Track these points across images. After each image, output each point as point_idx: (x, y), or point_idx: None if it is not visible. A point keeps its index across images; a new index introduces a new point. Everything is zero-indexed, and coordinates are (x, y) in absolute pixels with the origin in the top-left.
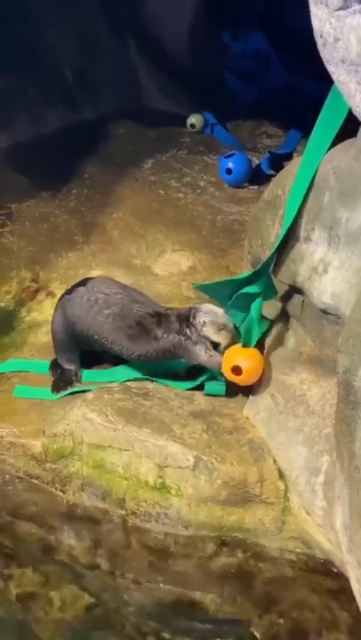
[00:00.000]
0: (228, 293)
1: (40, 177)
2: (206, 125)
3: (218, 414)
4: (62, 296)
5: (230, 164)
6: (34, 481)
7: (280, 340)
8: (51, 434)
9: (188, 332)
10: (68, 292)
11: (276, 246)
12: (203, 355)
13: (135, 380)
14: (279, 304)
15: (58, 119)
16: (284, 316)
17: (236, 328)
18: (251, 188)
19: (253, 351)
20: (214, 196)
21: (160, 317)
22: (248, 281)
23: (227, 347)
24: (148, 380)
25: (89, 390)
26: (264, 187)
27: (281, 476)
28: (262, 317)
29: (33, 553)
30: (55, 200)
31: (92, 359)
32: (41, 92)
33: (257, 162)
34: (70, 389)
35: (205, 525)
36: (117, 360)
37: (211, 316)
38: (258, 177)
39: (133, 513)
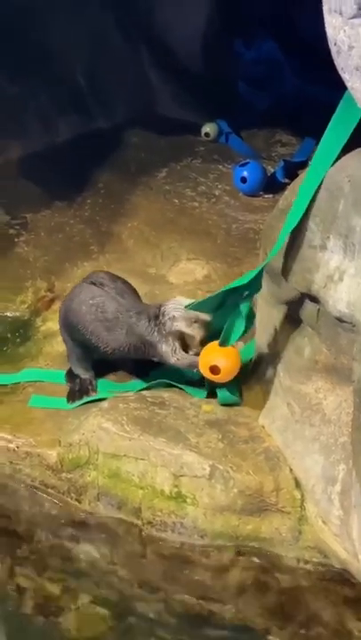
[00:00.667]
0: (219, 302)
1: (54, 187)
2: (221, 134)
3: (233, 423)
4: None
5: (245, 173)
6: (50, 490)
7: (296, 349)
8: (66, 443)
9: (156, 331)
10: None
11: (276, 248)
12: (170, 356)
13: (150, 388)
14: (284, 310)
15: (70, 128)
16: (298, 325)
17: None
18: (266, 196)
19: (231, 350)
20: (229, 204)
21: (136, 313)
22: (243, 287)
23: (202, 340)
24: (164, 383)
25: (104, 399)
26: (279, 195)
27: (297, 485)
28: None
29: (49, 562)
30: (70, 210)
31: (108, 368)
32: (53, 100)
33: (272, 170)
34: (86, 399)
35: (221, 535)
36: (133, 369)
37: (180, 310)
38: (273, 185)
39: (149, 522)
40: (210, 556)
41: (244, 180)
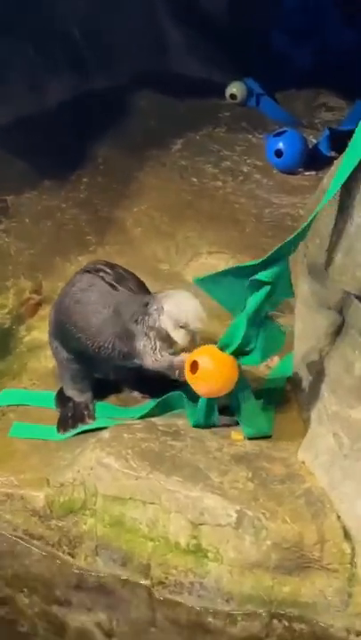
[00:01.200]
0: (237, 290)
1: (42, 161)
2: (250, 96)
3: (266, 458)
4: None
5: (281, 145)
6: (36, 542)
7: (345, 365)
8: (57, 483)
9: (138, 320)
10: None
11: (305, 225)
12: (147, 353)
13: (160, 413)
14: (338, 317)
15: (63, 89)
16: (348, 335)
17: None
18: (306, 173)
19: (226, 356)
20: (261, 184)
21: (127, 298)
22: (258, 269)
23: (184, 350)
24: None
25: (104, 428)
26: (323, 172)
27: (346, 536)
28: (270, 321)
29: (36, 632)
30: (61, 191)
31: (109, 389)
32: (42, 55)
33: (314, 141)
34: (81, 427)
35: (251, 598)
36: (137, 388)
37: (172, 304)
38: (315, 160)
39: (161, 583)
40: (237, 625)
41: (279, 153)
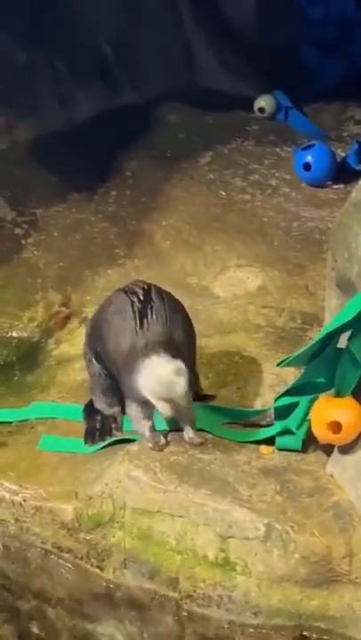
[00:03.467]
0: (318, 350)
1: (71, 175)
2: (279, 109)
3: (295, 472)
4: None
5: (309, 158)
6: (65, 555)
7: None
8: (85, 496)
9: (132, 370)
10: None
11: None
12: (138, 423)
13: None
14: None
15: (93, 102)
16: None
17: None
18: (335, 187)
19: (350, 401)
20: (289, 197)
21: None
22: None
23: (167, 418)
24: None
25: (132, 441)
26: (352, 185)
27: None
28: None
29: None
30: (90, 204)
31: None
32: (72, 69)
33: (342, 154)
34: (109, 440)
35: (280, 612)
36: None
37: (150, 379)
38: (344, 173)
39: (189, 596)
40: (265, 639)
41: (307, 166)
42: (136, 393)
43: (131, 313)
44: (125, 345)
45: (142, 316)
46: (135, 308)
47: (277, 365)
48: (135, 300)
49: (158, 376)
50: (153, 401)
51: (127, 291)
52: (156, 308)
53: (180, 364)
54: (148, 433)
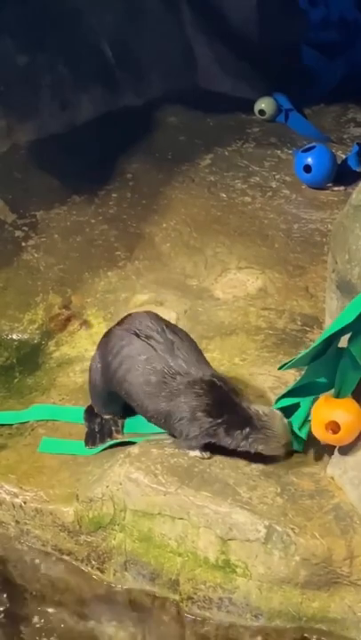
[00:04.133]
0: (320, 352)
1: (72, 177)
2: (279, 112)
3: (295, 474)
4: (101, 339)
5: (309, 160)
6: (65, 557)
7: None
8: (86, 498)
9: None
10: (106, 334)
11: None
12: (185, 443)
13: None
14: None
15: (93, 106)
16: None
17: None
18: (335, 189)
19: (349, 401)
20: (290, 199)
21: (188, 382)
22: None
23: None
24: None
25: (133, 443)
26: (352, 187)
27: None
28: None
29: None
30: (91, 206)
31: None
32: (73, 72)
33: (343, 156)
34: (109, 442)
35: (280, 614)
36: None
37: (272, 433)
38: (344, 175)
39: (189, 598)
40: None
41: (308, 168)
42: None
43: (160, 362)
44: (162, 399)
45: (171, 351)
46: (160, 350)
47: (279, 369)
48: (154, 343)
49: (271, 428)
50: (262, 447)
51: (140, 335)
52: (173, 335)
53: None
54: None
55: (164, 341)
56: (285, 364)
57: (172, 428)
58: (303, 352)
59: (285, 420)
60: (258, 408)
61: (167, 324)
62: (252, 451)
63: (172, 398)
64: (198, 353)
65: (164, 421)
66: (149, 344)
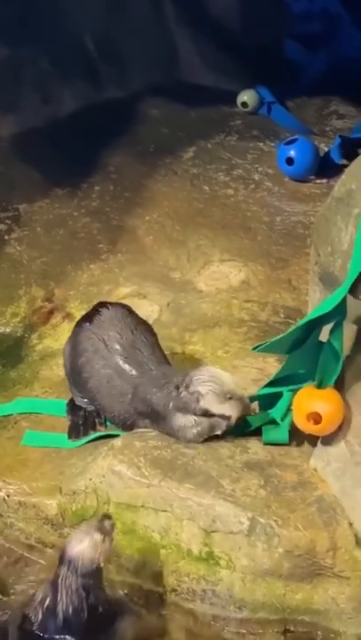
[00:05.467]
0: (298, 340)
1: (55, 170)
2: (261, 104)
3: (279, 466)
4: (77, 322)
5: (292, 153)
6: (49, 550)
7: (357, 375)
8: (69, 491)
9: (172, 405)
10: (77, 324)
11: (357, 263)
12: (187, 431)
13: None
14: (352, 329)
15: (76, 98)
16: (360, 344)
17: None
18: (318, 181)
19: (331, 392)
20: (272, 192)
21: (149, 378)
22: (325, 317)
23: (239, 419)
24: None
25: (116, 436)
26: (334, 180)
27: (359, 543)
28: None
29: None
30: (74, 199)
31: None
32: (56, 65)
33: (325, 149)
34: (93, 435)
35: (264, 606)
36: None
37: (209, 384)
38: (327, 168)
39: (173, 590)
40: (250, 633)
41: (290, 160)
42: (186, 408)
43: (119, 360)
44: (127, 395)
45: (131, 348)
46: (120, 351)
47: (253, 349)
48: (116, 345)
49: (210, 380)
50: (219, 409)
51: (96, 335)
52: (138, 328)
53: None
54: (211, 421)
55: (131, 349)
56: (260, 346)
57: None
58: (280, 335)
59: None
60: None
61: (135, 324)
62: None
63: (139, 399)
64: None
65: (150, 423)
66: (114, 354)
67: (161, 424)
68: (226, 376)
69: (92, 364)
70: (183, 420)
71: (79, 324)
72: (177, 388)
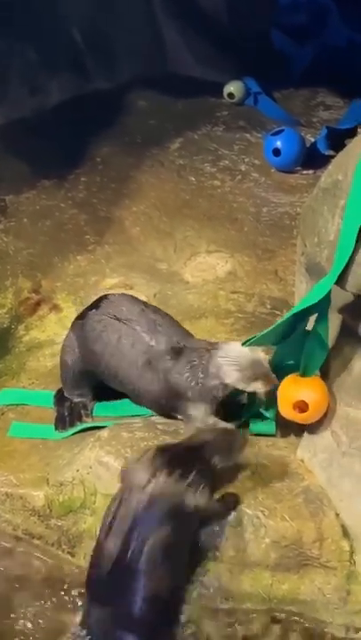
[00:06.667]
0: (286, 331)
1: (41, 161)
2: (248, 95)
3: (265, 457)
4: (75, 321)
5: (278, 143)
6: (36, 541)
7: (343, 364)
8: (56, 482)
9: (195, 384)
10: (80, 316)
11: (344, 254)
12: (199, 419)
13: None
14: (337, 316)
15: (63, 89)
16: (347, 335)
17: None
18: (304, 172)
19: (316, 380)
20: (259, 183)
21: (175, 354)
22: (313, 308)
23: (268, 393)
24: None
25: (103, 427)
26: (321, 171)
27: (345, 533)
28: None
29: (35, 631)
30: (60, 190)
31: (109, 390)
32: (42, 55)
33: (312, 140)
34: (79, 426)
35: (251, 597)
36: None
37: (236, 360)
38: (313, 158)
39: None
40: (237, 624)
41: (277, 151)
42: (206, 393)
43: (143, 338)
44: (153, 374)
45: (154, 331)
46: (143, 331)
47: (243, 344)
48: (136, 326)
49: (236, 358)
50: (248, 386)
51: (120, 319)
52: (155, 313)
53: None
54: (224, 423)
55: (146, 321)
56: (249, 340)
57: (174, 405)
58: (267, 330)
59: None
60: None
61: (145, 303)
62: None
63: (165, 376)
64: (178, 326)
65: (165, 402)
66: (131, 326)
67: (175, 405)
68: (249, 354)
69: (110, 343)
70: (197, 411)
71: (82, 316)
72: (200, 370)
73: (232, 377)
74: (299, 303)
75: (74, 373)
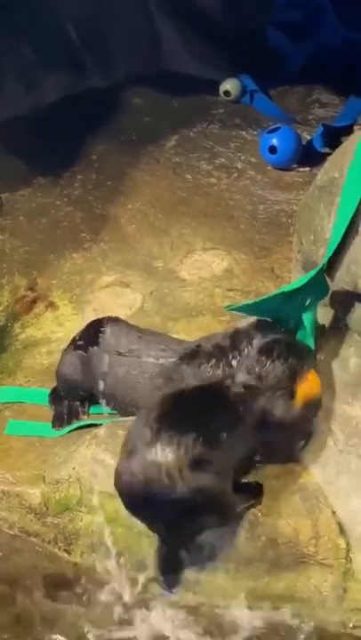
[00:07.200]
0: (272, 308)
1: (37, 159)
2: (244, 93)
3: None
4: (76, 344)
5: (275, 141)
6: (32, 539)
7: (339, 362)
8: (52, 480)
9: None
10: (79, 347)
11: (333, 247)
12: None
13: None
14: (332, 312)
15: (58, 87)
16: (342, 331)
17: None
18: (301, 170)
19: (311, 374)
20: (255, 180)
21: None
22: (298, 292)
23: None
24: None
25: (100, 425)
26: (317, 168)
27: (342, 531)
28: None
29: (32, 629)
30: (56, 188)
31: None
32: (38, 53)
33: (308, 137)
34: (76, 424)
35: (247, 594)
36: None
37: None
38: (309, 156)
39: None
40: (233, 621)
41: (273, 149)
42: None
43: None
44: None
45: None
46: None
47: (225, 308)
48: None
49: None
50: None
51: (122, 353)
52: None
53: None
54: None
55: (145, 344)
56: (230, 306)
57: None
58: (254, 300)
59: None
60: None
61: (138, 328)
62: None
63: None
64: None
65: None
66: (136, 356)
67: None
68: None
69: (118, 377)
70: None
71: (81, 347)
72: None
73: None
74: (290, 284)
75: (73, 388)
